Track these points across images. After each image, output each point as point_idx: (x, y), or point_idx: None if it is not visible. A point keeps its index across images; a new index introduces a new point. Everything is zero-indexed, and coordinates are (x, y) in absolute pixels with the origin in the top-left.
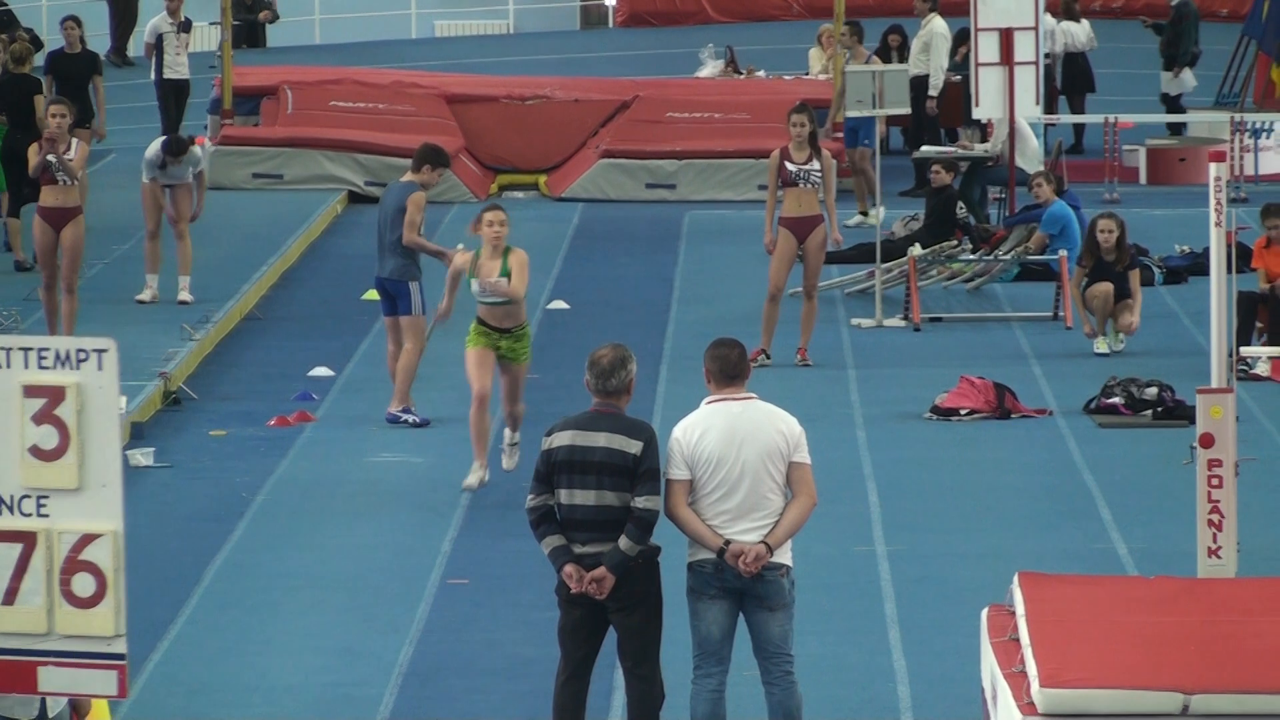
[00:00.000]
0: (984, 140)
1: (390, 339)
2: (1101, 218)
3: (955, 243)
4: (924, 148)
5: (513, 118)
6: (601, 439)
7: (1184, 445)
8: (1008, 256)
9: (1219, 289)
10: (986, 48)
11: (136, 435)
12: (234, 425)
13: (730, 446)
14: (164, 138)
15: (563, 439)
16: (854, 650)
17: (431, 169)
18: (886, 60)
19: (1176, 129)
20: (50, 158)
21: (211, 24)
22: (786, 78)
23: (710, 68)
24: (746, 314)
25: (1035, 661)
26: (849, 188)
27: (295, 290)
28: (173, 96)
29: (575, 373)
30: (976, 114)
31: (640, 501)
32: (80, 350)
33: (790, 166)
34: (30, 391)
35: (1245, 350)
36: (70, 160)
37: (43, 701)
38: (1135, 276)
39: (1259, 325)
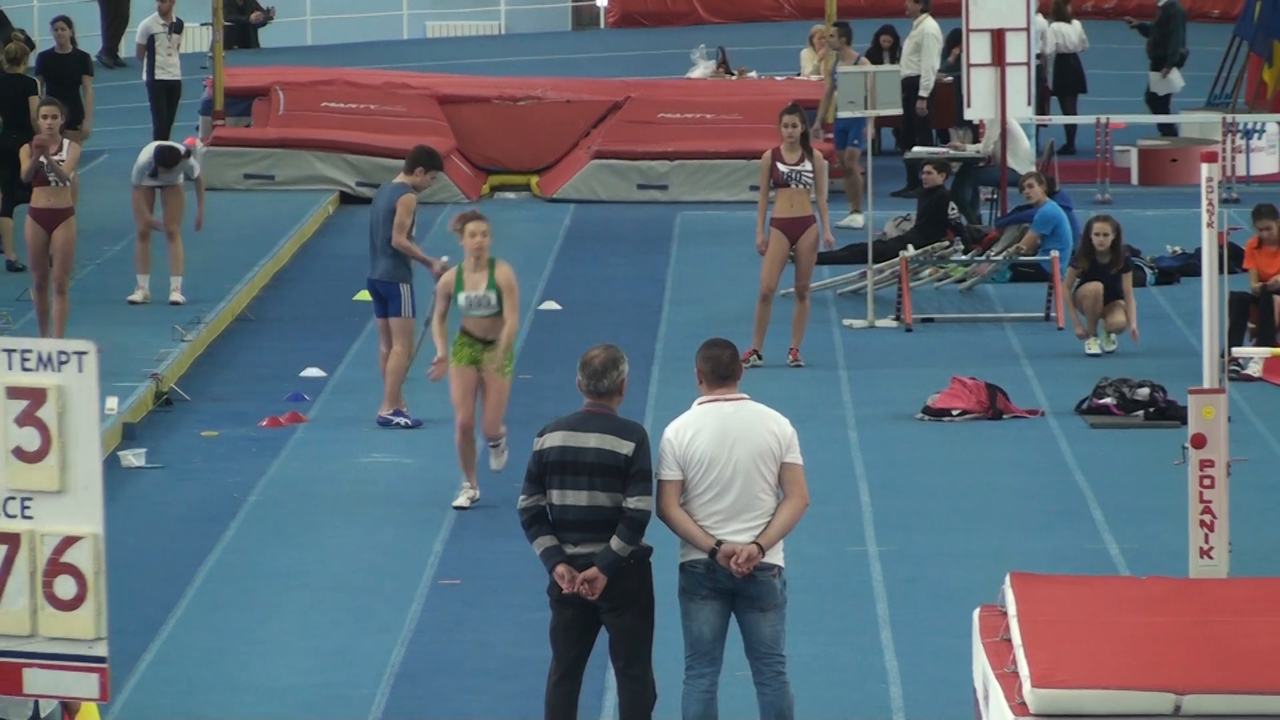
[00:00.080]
0: (976, 141)
1: (382, 341)
2: (1097, 220)
3: (947, 243)
4: (916, 148)
5: (504, 118)
6: (593, 439)
7: (1176, 446)
8: (999, 257)
9: (1211, 290)
10: (978, 49)
11: (128, 436)
12: (226, 426)
13: (722, 447)
14: (157, 146)
15: (555, 439)
16: (846, 651)
17: (424, 171)
18: (878, 61)
19: (1166, 129)
20: (41, 160)
21: (203, 25)
22: (778, 78)
23: (702, 68)
24: (738, 315)
25: (1027, 662)
26: (840, 188)
27: (287, 291)
28: (164, 97)
29: (567, 373)
30: (968, 115)
31: (632, 502)
32: (62, 352)
33: (782, 167)
34: (13, 393)
35: (1237, 351)
36: (61, 162)
37: (35, 702)
38: (1129, 279)
39: (1250, 326)
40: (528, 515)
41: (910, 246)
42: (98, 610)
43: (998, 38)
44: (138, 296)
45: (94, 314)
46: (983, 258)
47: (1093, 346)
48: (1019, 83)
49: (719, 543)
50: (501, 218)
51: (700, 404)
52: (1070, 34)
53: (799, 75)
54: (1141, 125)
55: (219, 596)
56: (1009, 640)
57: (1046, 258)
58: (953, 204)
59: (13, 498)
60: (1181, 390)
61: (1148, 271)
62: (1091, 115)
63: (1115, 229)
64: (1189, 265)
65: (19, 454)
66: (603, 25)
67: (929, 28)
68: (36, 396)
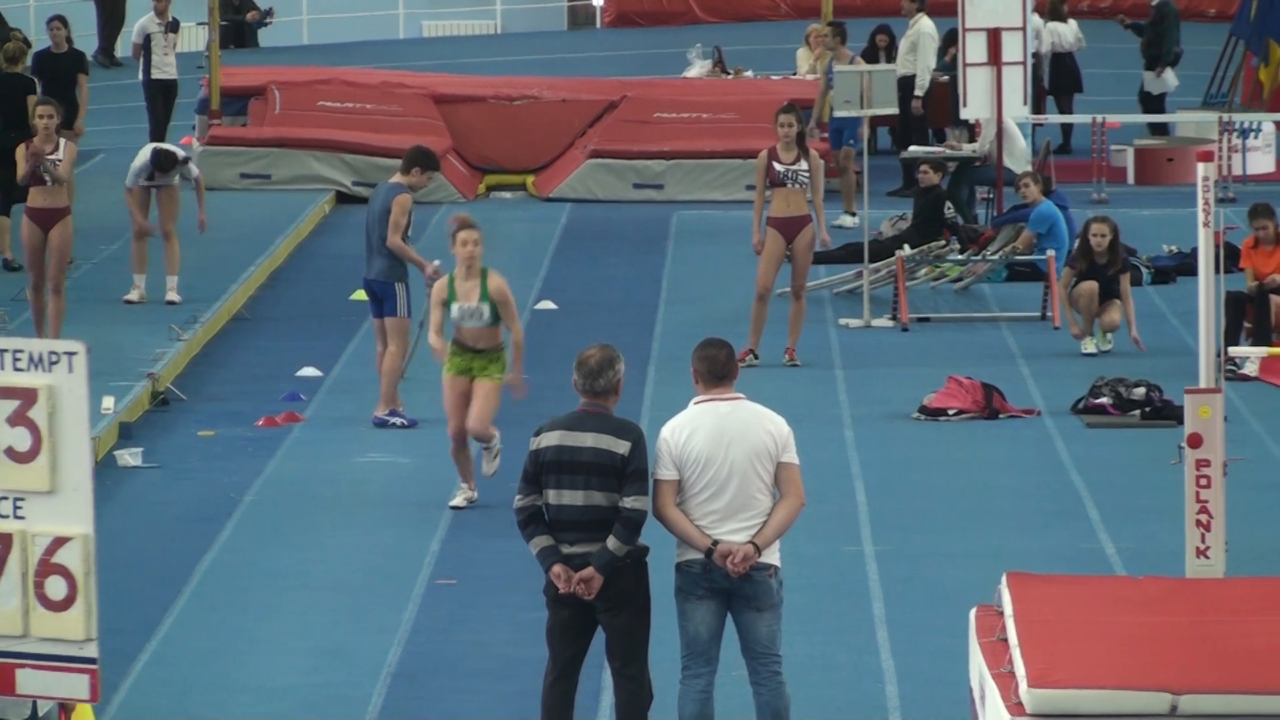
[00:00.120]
0: (972, 140)
1: (378, 340)
2: (1094, 221)
3: (943, 243)
4: (912, 148)
5: (500, 118)
6: (589, 439)
7: (1172, 445)
8: (995, 256)
9: (1207, 289)
10: (974, 48)
11: (125, 435)
12: (222, 425)
13: (718, 447)
14: (154, 150)
15: (551, 439)
16: (842, 650)
17: (420, 172)
18: (874, 61)
19: (1159, 129)
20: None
21: (199, 24)
22: (774, 78)
23: (698, 68)
24: (734, 314)
25: (1023, 662)
26: (836, 188)
27: (283, 291)
28: (160, 97)
29: (563, 373)
30: (964, 114)
31: (628, 502)
32: (52, 353)
33: (778, 167)
34: (4, 393)
35: (1233, 350)
36: (59, 163)
37: (34, 701)
38: (1126, 281)
39: (1247, 325)
40: (524, 515)
41: (906, 246)
42: (87, 611)
43: (994, 37)
44: (134, 296)
45: (90, 313)
46: (979, 257)
47: (1089, 346)
48: (1015, 82)
49: (715, 542)
50: (497, 217)
51: (696, 404)
52: (1066, 33)
53: (795, 75)
54: (1137, 125)
55: (215, 596)
56: (1005, 640)
57: (1042, 257)
58: (949, 203)
59: (5, 498)
60: (1178, 390)
61: (1144, 271)
62: (1088, 115)
63: (1113, 230)
64: (1185, 264)
65: (10, 454)
66: (599, 25)
67: (925, 27)
68: (28, 397)
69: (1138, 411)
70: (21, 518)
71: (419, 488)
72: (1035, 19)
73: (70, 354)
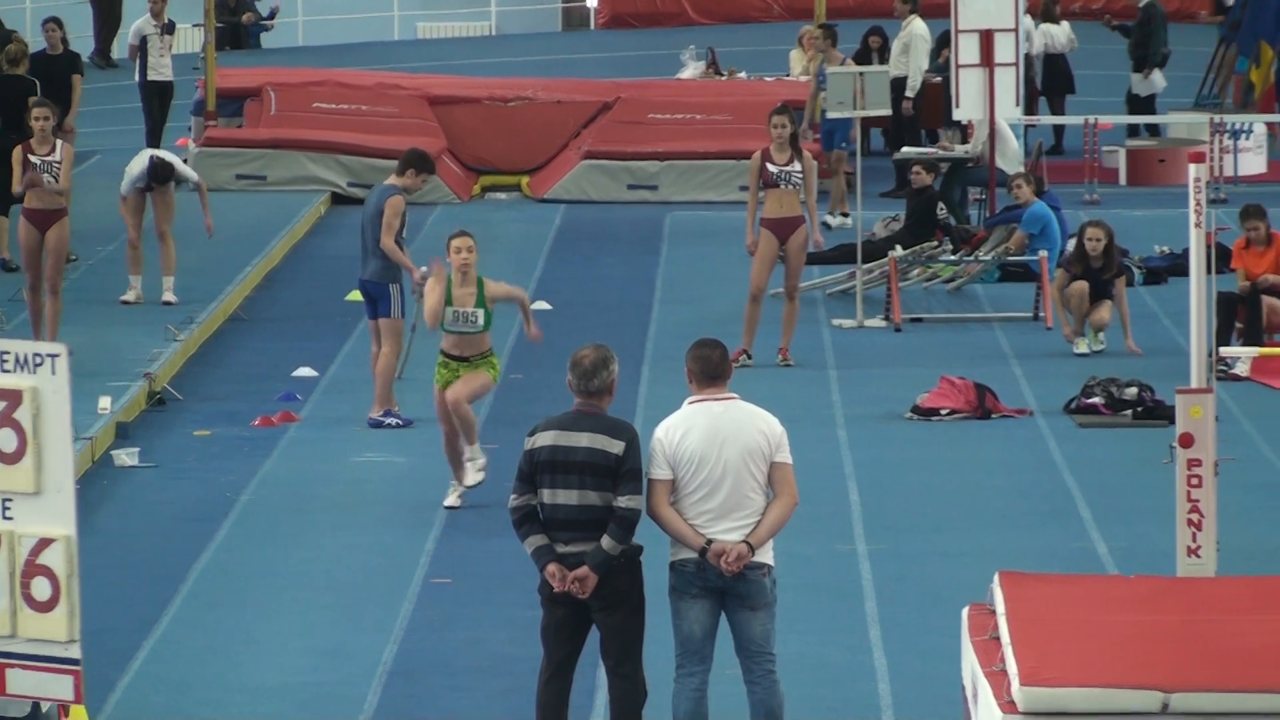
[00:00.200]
0: (964, 141)
1: (373, 341)
2: (1090, 226)
3: (936, 243)
4: (905, 149)
5: (495, 119)
6: (584, 439)
7: (1164, 445)
8: (988, 257)
9: (1199, 289)
10: (967, 49)
11: (121, 435)
12: (218, 425)
13: (712, 446)
14: (151, 160)
15: (545, 439)
16: (835, 649)
17: (415, 174)
18: (867, 62)
19: (1136, 130)
20: (34, 158)
21: (195, 26)
22: (768, 79)
23: (692, 69)
24: (728, 314)
25: (1015, 660)
26: (828, 189)
27: (279, 291)
28: (156, 98)
29: (557, 373)
30: (957, 115)
31: (622, 501)
32: (36, 354)
33: (771, 168)
34: None
35: (1225, 350)
36: (58, 164)
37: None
38: (1121, 285)
39: (1238, 326)
40: (519, 514)
41: (899, 247)
42: (70, 613)
43: (986, 38)
44: (130, 296)
45: (87, 314)
46: (971, 258)
47: (1081, 346)
48: (1007, 83)
49: (709, 541)
50: (492, 218)
51: (690, 403)
52: (1059, 35)
53: (788, 76)
54: (1130, 126)
55: (212, 595)
56: (998, 638)
57: (1035, 258)
58: (941, 204)
59: None
60: (1169, 390)
61: (1136, 271)
62: (1080, 116)
63: (1108, 234)
64: (1177, 265)
65: None
66: (593, 26)
67: (917, 29)
68: (13, 398)
69: (1129, 411)
70: (10, 519)
71: (414, 487)
72: (1028, 20)
73: (53, 356)
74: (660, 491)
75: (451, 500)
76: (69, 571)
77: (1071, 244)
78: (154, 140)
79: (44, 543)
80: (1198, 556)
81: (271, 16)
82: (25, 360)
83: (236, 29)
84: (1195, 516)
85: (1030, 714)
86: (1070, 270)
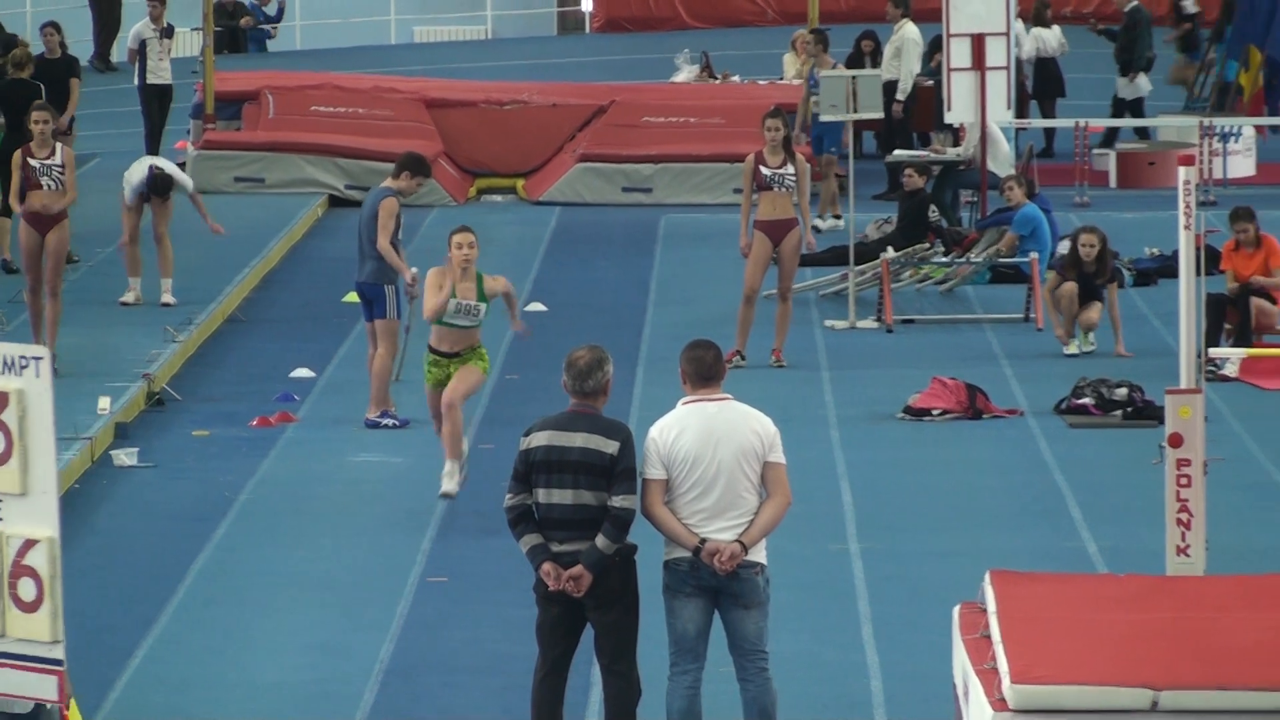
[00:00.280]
0: (956, 144)
1: (370, 343)
2: (1084, 231)
3: (928, 245)
4: (897, 151)
5: (491, 122)
6: (579, 439)
7: (1153, 445)
8: (980, 259)
9: (1188, 291)
10: (958, 53)
11: (121, 435)
12: (217, 426)
13: (706, 446)
14: (150, 173)
15: (540, 439)
16: (828, 647)
17: (410, 176)
18: (860, 66)
19: (1119, 133)
20: (34, 161)
21: (194, 30)
22: (761, 82)
23: (686, 73)
24: (722, 316)
25: (1006, 658)
26: (819, 192)
27: (277, 293)
28: (155, 101)
29: (553, 374)
30: (948, 118)
31: (617, 500)
32: (22, 357)
33: (765, 170)
34: None
35: (1214, 351)
36: (60, 169)
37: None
38: (1114, 291)
39: (1227, 327)
40: (514, 514)
41: (891, 248)
42: (54, 613)
43: (978, 42)
44: (129, 298)
45: (86, 315)
46: (963, 259)
47: (1071, 347)
48: (999, 87)
49: (703, 541)
50: (488, 220)
51: (684, 404)
52: (1050, 39)
53: (781, 79)
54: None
55: (210, 594)
56: (989, 637)
57: (1025, 259)
58: (933, 206)
59: None
60: (1159, 390)
61: (1126, 273)
62: (1070, 119)
63: (1101, 240)
64: (1166, 267)
65: None
66: (588, 30)
67: (909, 33)
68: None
69: (1119, 412)
70: (0, 519)
71: (411, 487)
72: (1019, 24)
73: (37, 359)
74: (654, 491)
75: (448, 488)
76: (52, 573)
77: (1062, 246)
78: (153, 143)
79: (29, 544)
80: (1187, 555)
81: (279, 16)
82: (11, 363)
83: (235, 33)
84: (1184, 516)
85: (1021, 711)
86: (1064, 275)
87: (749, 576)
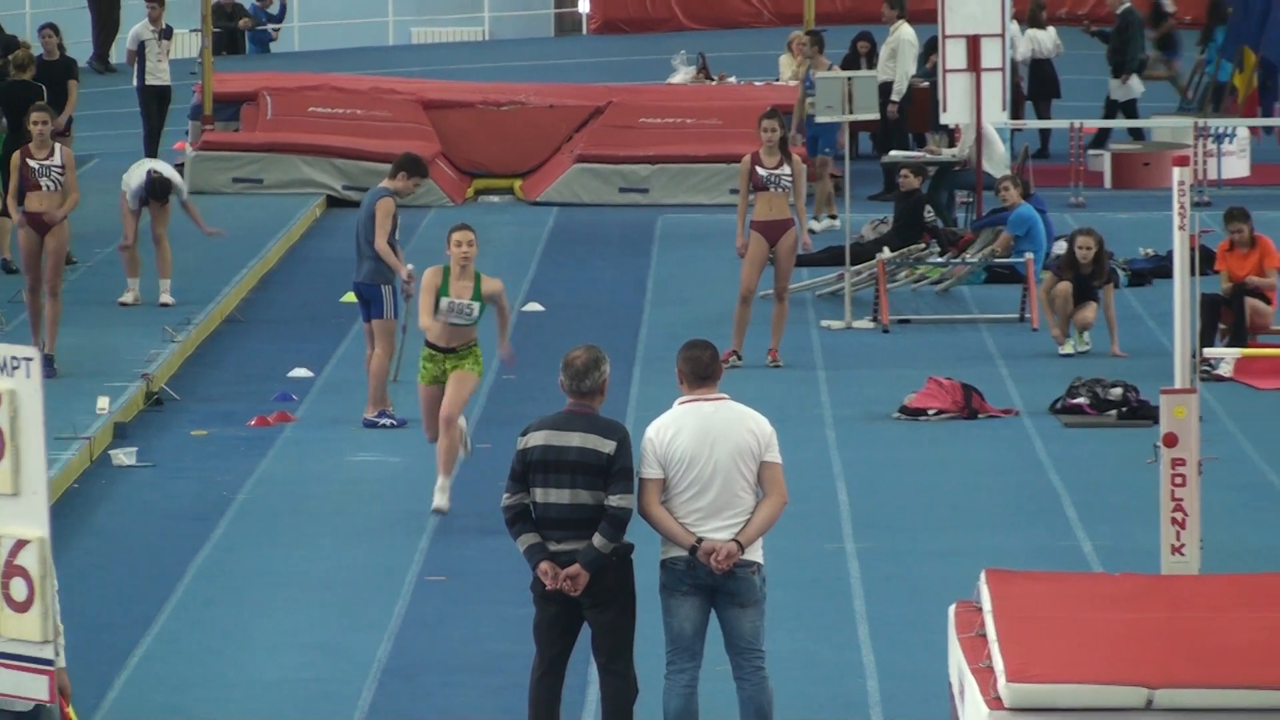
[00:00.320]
0: (951, 145)
1: (368, 343)
2: (1080, 234)
3: (923, 246)
4: (893, 152)
5: (488, 123)
6: (576, 439)
7: (1148, 445)
8: (975, 259)
9: (1183, 291)
10: (954, 54)
11: (119, 435)
12: (215, 425)
13: (702, 446)
14: (149, 177)
15: (538, 439)
16: (824, 646)
17: (407, 177)
18: (856, 67)
19: (1110, 134)
20: (33, 162)
21: (192, 31)
22: (757, 84)
23: (682, 74)
24: (718, 316)
25: (1002, 657)
26: (813, 192)
27: (275, 293)
28: (154, 102)
29: (549, 374)
30: (944, 119)
31: (614, 500)
32: (13, 358)
33: (761, 171)
34: None
35: (1208, 351)
36: (60, 169)
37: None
38: (1110, 292)
39: (1222, 327)
40: (511, 513)
41: (887, 249)
42: (44, 613)
43: (973, 44)
44: (128, 298)
45: (86, 316)
46: (958, 260)
47: (1066, 347)
48: (994, 88)
49: (699, 540)
50: (485, 221)
51: (681, 404)
52: (1045, 40)
53: (778, 81)
54: (1117, 130)
55: (209, 593)
56: (984, 635)
57: (1021, 259)
58: (929, 207)
59: None
60: (1154, 390)
61: (1121, 273)
62: (1065, 120)
63: (1098, 242)
64: (1161, 267)
65: None
66: (585, 31)
67: (905, 34)
68: None
69: (1114, 411)
70: None
71: (408, 487)
72: (1014, 26)
73: (27, 359)
74: (651, 490)
75: (440, 503)
76: (42, 573)
77: (1058, 247)
78: (152, 144)
79: (20, 544)
80: (1181, 555)
81: (281, 15)
82: (3, 364)
83: (233, 34)
84: (1179, 515)
85: (1016, 710)
86: (1061, 276)
87: (745, 575)
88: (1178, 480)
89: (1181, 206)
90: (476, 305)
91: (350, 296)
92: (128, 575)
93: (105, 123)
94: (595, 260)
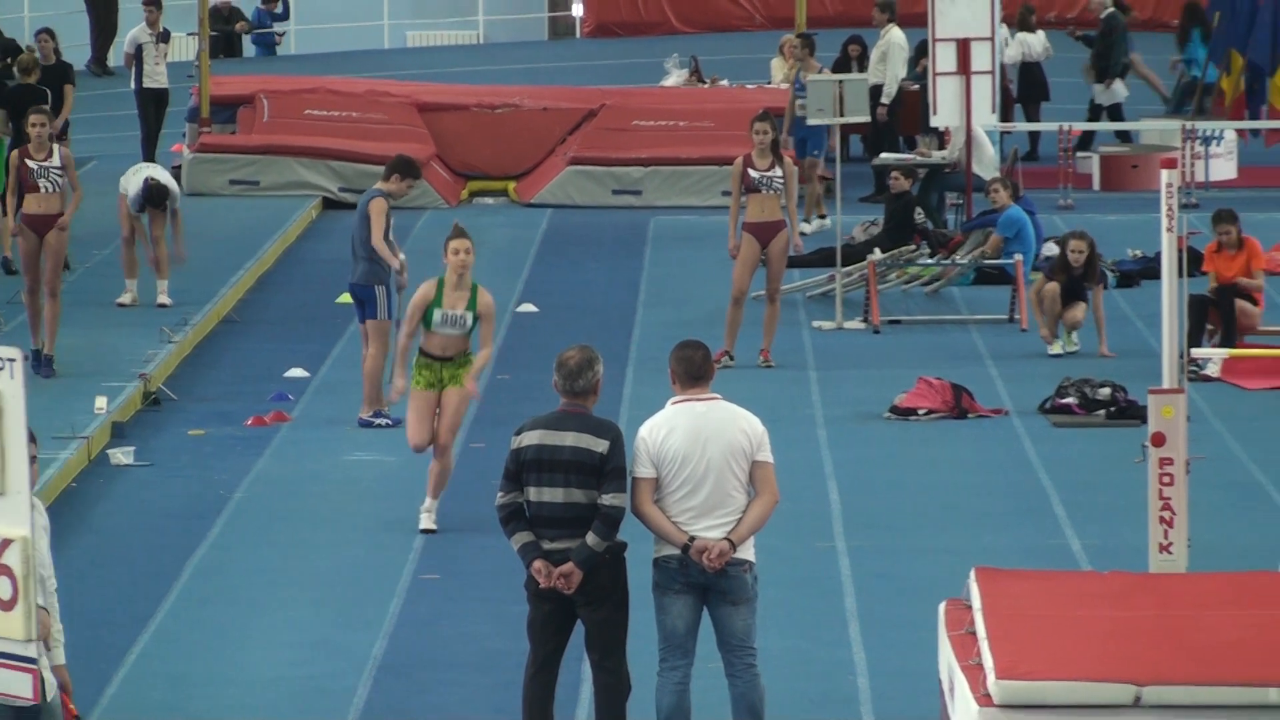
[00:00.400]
0: (942, 147)
1: (364, 344)
2: (1072, 238)
3: (914, 247)
4: (883, 155)
5: (483, 126)
6: (569, 438)
7: (1136, 444)
8: (965, 260)
9: (1170, 292)
10: (944, 57)
11: (117, 434)
12: (212, 425)
13: (695, 445)
14: (146, 184)
15: (531, 438)
16: (815, 644)
17: (400, 179)
18: (847, 70)
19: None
20: (31, 163)
21: (189, 34)
22: (749, 87)
23: (675, 77)
24: (711, 317)
25: (991, 654)
26: (803, 194)
27: (271, 294)
28: (152, 105)
29: (543, 374)
30: (934, 122)
31: (607, 499)
32: None
33: (753, 173)
34: None
35: (1196, 352)
36: (59, 170)
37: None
38: (1099, 294)
39: (1209, 327)
40: (505, 512)
41: (878, 250)
42: (27, 612)
43: (963, 47)
44: (126, 299)
45: (84, 316)
46: (948, 261)
47: (1055, 347)
48: (984, 91)
49: (692, 539)
50: (480, 222)
51: (673, 403)
52: (1034, 43)
53: (770, 84)
54: (1104, 133)
55: (205, 591)
56: (974, 633)
57: (1010, 261)
58: (919, 209)
59: None
60: (1142, 390)
61: (1109, 275)
62: (1054, 123)
63: (1090, 246)
64: (1149, 269)
65: None
66: (578, 35)
67: (895, 37)
68: None
69: (1103, 411)
70: None
71: (403, 486)
72: (1003, 29)
73: (10, 360)
74: (644, 489)
75: (427, 525)
76: (25, 572)
77: (1050, 249)
78: (149, 146)
79: (5, 543)
80: (1169, 553)
81: (285, 14)
82: None
83: (230, 38)
84: (1167, 514)
85: (1006, 706)
86: (1053, 279)
87: (737, 574)
88: (1165, 479)
89: (1169, 208)
90: (470, 315)
91: (346, 297)
92: (125, 573)
93: (103, 125)
94: (589, 261)
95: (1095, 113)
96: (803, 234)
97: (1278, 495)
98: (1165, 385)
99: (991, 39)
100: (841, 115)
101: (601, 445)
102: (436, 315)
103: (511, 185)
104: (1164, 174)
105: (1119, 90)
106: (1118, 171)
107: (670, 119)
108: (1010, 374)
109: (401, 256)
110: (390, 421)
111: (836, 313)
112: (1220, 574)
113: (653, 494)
